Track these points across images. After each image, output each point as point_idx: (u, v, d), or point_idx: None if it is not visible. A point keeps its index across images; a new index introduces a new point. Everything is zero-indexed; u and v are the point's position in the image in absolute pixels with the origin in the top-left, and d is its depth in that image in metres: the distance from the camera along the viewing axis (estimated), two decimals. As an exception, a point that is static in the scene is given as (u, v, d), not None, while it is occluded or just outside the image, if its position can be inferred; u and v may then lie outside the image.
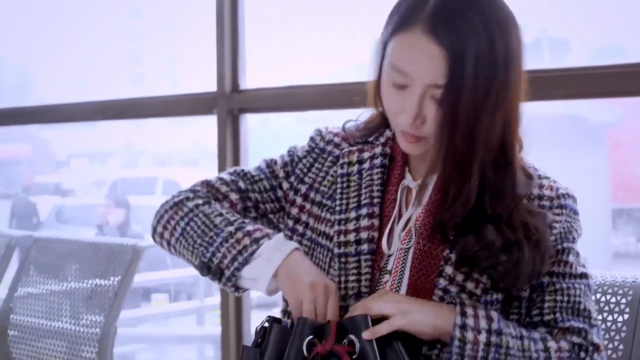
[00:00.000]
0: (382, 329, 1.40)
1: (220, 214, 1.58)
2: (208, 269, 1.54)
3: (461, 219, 1.46)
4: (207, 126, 3.53)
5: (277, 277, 1.49)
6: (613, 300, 1.76)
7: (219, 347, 3.35)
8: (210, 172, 3.45)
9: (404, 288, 1.50)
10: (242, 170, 1.68)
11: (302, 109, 3.39)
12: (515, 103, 1.47)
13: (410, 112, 1.43)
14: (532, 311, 1.51)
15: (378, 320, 1.40)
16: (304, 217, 1.61)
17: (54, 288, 3.13)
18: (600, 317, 1.76)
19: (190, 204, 1.61)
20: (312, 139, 1.67)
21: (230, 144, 3.27)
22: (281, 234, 1.53)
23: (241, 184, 1.65)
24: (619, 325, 1.74)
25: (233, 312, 3.20)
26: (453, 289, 1.47)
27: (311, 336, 1.40)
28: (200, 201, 1.61)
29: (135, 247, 2.88)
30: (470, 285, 1.47)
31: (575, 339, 1.47)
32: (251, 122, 3.38)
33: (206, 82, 3.44)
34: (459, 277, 1.47)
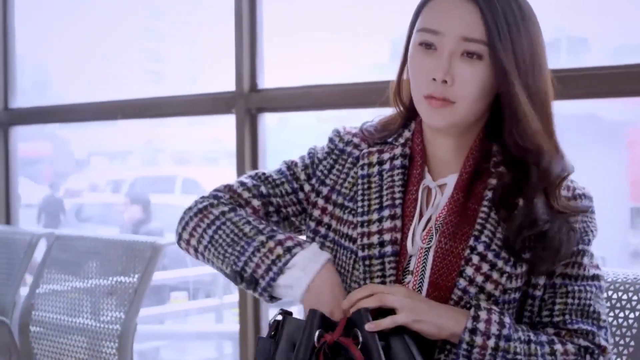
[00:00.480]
0: (386, 322, 1.43)
1: (248, 222, 1.57)
2: (241, 278, 1.55)
3: (507, 187, 1.50)
4: (226, 125, 3.56)
5: (307, 288, 1.51)
6: (625, 297, 1.77)
7: (237, 344, 3.38)
8: (229, 170, 3.47)
9: (425, 287, 1.52)
10: (264, 173, 1.68)
11: (320, 109, 3.41)
12: (549, 71, 1.53)
13: (441, 65, 1.46)
14: (543, 312, 1.53)
15: (385, 312, 1.44)
16: (326, 219, 1.62)
17: (75, 285, 3.16)
18: (612, 314, 1.78)
19: (216, 211, 1.60)
20: (330, 140, 1.68)
21: (248, 142, 3.29)
22: (314, 244, 1.55)
23: (263, 189, 1.64)
24: (631, 322, 1.76)
25: (251, 309, 3.23)
26: (472, 290, 1.49)
27: (321, 328, 1.44)
28: (225, 208, 1.60)
29: (155, 245, 2.91)
30: (489, 287, 1.49)
31: (582, 342, 1.49)
32: (269, 121, 3.41)
33: (225, 81, 3.47)
34: (479, 278, 1.49)
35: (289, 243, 1.53)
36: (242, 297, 3.23)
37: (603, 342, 1.51)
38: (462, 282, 1.49)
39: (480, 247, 1.50)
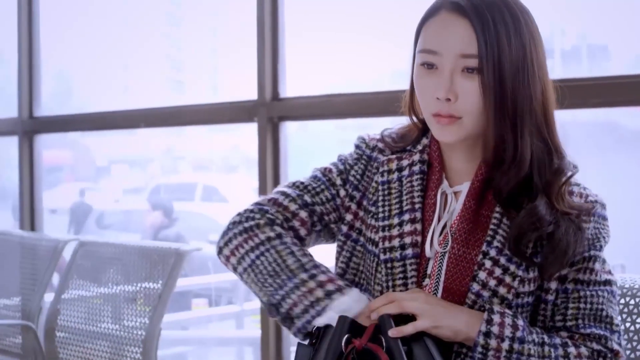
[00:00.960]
0: (408, 329, 1.46)
1: (292, 252, 1.58)
2: (277, 311, 1.57)
3: (514, 188, 1.52)
4: (246, 132, 3.59)
5: None
6: (632, 302, 1.78)
7: (257, 350, 3.41)
8: (248, 177, 3.50)
9: (440, 292, 1.55)
10: (302, 182, 1.69)
11: (341, 117, 3.44)
12: (547, 76, 1.55)
13: (443, 84, 1.49)
14: (556, 316, 1.55)
15: (406, 317, 1.48)
16: (357, 224, 1.65)
17: (100, 290, 3.20)
18: (629, 319, 1.78)
19: (262, 236, 1.61)
20: (357, 146, 1.71)
21: (270, 150, 3.32)
22: (355, 290, 1.56)
23: (307, 198, 1.66)
24: (638, 326, 1.76)
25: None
26: (485, 294, 1.51)
27: (349, 334, 1.48)
28: (271, 233, 1.61)
29: (179, 251, 2.94)
30: (502, 290, 1.51)
31: (595, 346, 1.51)
32: (289, 128, 3.44)
33: (246, 89, 3.50)
34: (492, 282, 1.52)
35: (330, 287, 1.55)
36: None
37: (616, 347, 1.53)
38: (476, 287, 1.52)
39: (493, 252, 1.52)
